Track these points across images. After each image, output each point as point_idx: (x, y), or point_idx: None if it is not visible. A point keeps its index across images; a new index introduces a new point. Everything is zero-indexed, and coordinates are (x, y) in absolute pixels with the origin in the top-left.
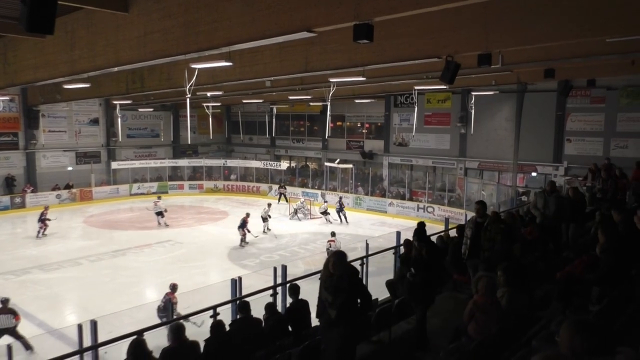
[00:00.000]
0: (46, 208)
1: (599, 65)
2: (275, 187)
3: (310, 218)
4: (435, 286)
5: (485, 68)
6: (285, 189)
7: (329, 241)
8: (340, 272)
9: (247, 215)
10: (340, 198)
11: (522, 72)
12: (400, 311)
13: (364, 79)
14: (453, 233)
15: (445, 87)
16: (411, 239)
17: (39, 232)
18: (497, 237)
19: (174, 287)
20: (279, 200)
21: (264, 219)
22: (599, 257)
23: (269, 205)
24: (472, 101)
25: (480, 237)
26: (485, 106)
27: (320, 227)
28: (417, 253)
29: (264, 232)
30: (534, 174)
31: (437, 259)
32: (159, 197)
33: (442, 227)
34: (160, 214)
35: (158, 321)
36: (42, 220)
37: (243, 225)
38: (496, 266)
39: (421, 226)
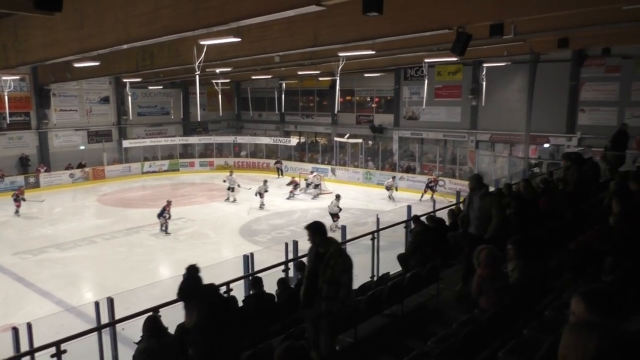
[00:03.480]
0: (20, 188)
1: (615, 34)
2: (286, 163)
3: (321, 194)
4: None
5: (497, 39)
6: (281, 163)
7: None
8: None
9: (169, 203)
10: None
11: (535, 42)
12: (412, 284)
13: (374, 52)
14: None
15: (455, 59)
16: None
17: (17, 210)
18: (342, 278)
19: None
20: (278, 176)
21: (260, 195)
22: (613, 226)
23: (265, 181)
24: (484, 73)
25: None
26: (496, 77)
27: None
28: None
29: (260, 207)
30: (546, 145)
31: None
32: (232, 172)
33: (453, 201)
34: (232, 188)
35: (173, 297)
36: (16, 199)
37: (162, 212)
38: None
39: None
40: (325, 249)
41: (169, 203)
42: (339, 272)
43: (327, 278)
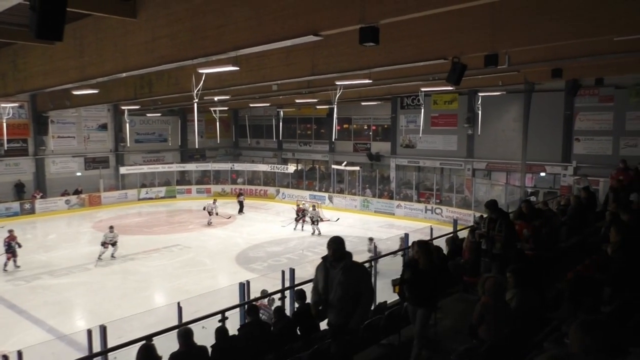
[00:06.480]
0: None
1: (607, 64)
2: (283, 190)
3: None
4: None
5: (491, 69)
6: (243, 196)
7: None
8: None
9: (10, 231)
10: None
11: (529, 72)
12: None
13: (371, 81)
14: (462, 234)
15: (451, 88)
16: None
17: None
18: None
19: None
20: (239, 211)
21: (312, 221)
22: (610, 256)
23: (314, 206)
24: (479, 102)
25: None
26: (492, 107)
27: (327, 229)
28: None
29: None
30: (542, 174)
31: None
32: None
33: (450, 229)
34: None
35: (168, 325)
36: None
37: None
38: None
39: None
40: None
41: (10, 233)
42: None
43: None
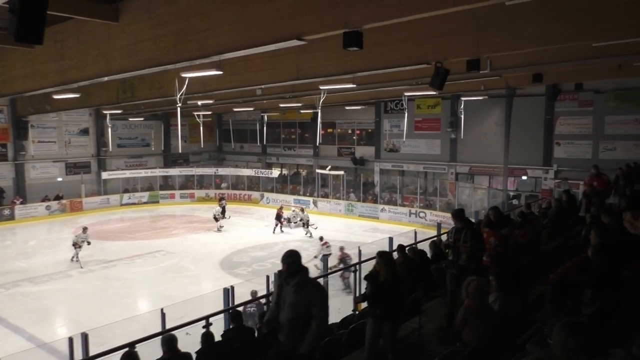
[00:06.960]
0: None
1: (587, 69)
2: (268, 195)
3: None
4: None
5: (474, 73)
6: (225, 200)
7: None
8: None
9: None
10: None
11: (511, 77)
12: None
13: (354, 85)
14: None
15: (434, 93)
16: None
17: None
18: None
19: None
20: (222, 214)
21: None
22: (591, 259)
23: (303, 209)
24: (462, 106)
25: None
26: (474, 111)
27: (314, 232)
28: None
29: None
30: (524, 177)
31: None
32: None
33: (434, 232)
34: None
35: (151, 332)
36: None
37: None
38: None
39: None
40: None
41: None
42: None
43: None
